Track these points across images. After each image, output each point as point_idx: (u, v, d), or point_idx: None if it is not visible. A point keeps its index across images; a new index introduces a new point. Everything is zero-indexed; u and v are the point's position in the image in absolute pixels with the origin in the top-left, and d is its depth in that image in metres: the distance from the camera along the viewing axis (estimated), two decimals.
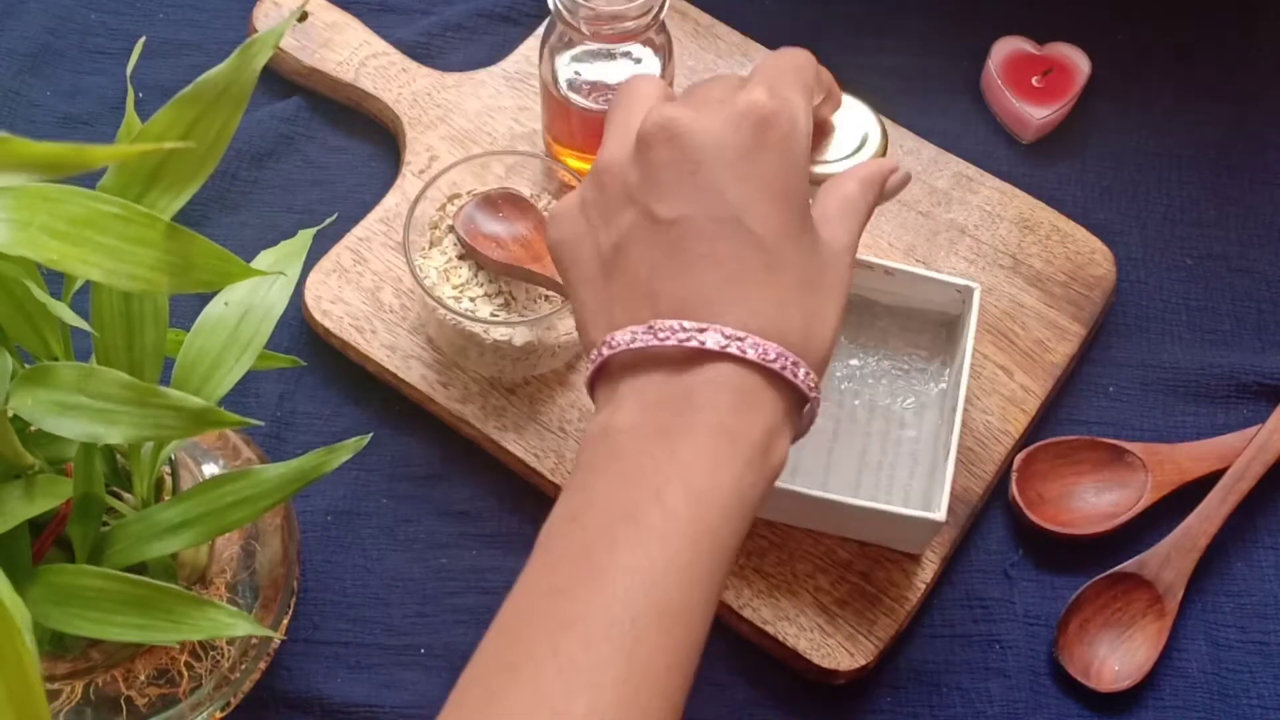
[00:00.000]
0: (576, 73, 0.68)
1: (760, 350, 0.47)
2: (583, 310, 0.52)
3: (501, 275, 0.68)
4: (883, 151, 0.74)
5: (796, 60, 0.53)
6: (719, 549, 0.46)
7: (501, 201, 0.69)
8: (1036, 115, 0.78)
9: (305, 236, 0.57)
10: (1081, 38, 0.81)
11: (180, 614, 0.50)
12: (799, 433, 0.51)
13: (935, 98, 0.81)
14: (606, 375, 0.50)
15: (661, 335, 0.48)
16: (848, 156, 0.73)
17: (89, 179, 0.44)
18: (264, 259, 0.56)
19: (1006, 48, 0.81)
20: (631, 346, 0.48)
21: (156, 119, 0.46)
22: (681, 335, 0.47)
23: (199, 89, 0.46)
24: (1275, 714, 0.65)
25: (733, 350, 0.47)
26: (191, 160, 0.47)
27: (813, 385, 0.49)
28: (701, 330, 0.47)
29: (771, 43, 0.80)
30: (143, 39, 0.54)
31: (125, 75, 0.50)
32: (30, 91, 0.81)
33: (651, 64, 0.69)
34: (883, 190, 0.55)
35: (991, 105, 0.81)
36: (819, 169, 0.72)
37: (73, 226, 0.41)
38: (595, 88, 0.69)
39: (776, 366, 0.48)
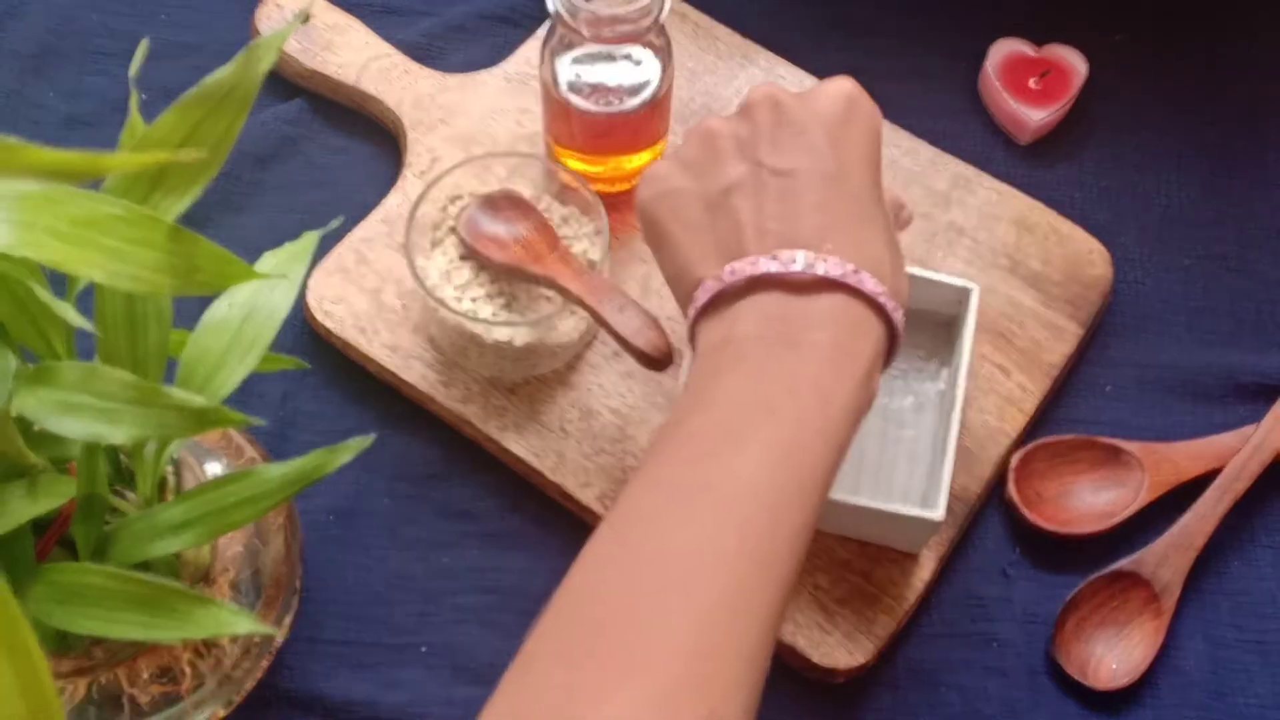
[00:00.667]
0: (577, 75, 0.69)
1: (872, 284, 0.51)
2: (684, 254, 0.55)
3: (503, 276, 0.68)
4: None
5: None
6: (837, 448, 0.50)
7: (503, 202, 0.69)
8: (1034, 116, 0.79)
9: (309, 238, 0.57)
10: (1079, 39, 0.81)
11: (183, 612, 0.50)
12: (890, 357, 0.55)
13: (933, 99, 0.81)
14: (716, 305, 0.53)
15: (785, 259, 0.51)
16: None
17: (92, 181, 0.44)
18: (267, 261, 0.56)
19: (1004, 49, 0.81)
20: (754, 272, 0.52)
21: (160, 122, 0.46)
22: (805, 261, 0.51)
23: (203, 92, 0.46)
24: (1272, 712, 0.66)
25: (849, 280, 0.51)
26: (195, 164, 0.47)
27: (901, 325, 0.53)
28: (824, 259, 0.51)
29: (771, 44, 0.81)
30: (145, 41, 0.54)
31: (127, 76, 0.50)
32: (33, 92, 0.81)
33: (652, 66, 0.69)
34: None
35: (989, 106, 0.81)
36: None
37: (75, 228, 0.42)
38: (595, 90, 0.69)
39: (883, 300, 0.52)
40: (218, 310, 0.54)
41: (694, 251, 0.55)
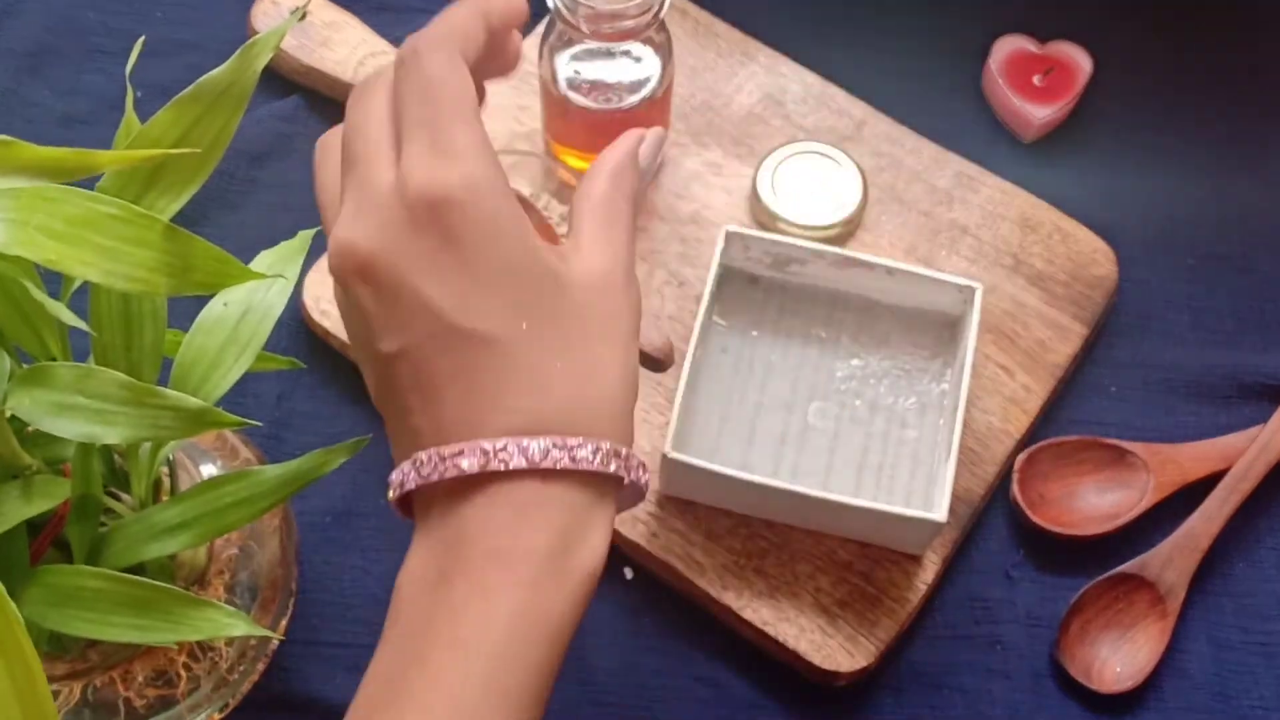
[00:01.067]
0: (576, 71, 0.68)
1: (522, 452, 0.42)
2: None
3: None
4: (859, 214, 0.74)
5: (432, 70, 0.45)
6: (506, 692, 0.42)
7: None
8: (1038, 114, 0.78)
9: (304, 237, 0.57)
10: (1083, 36, 0.81)
11: (178, 614, 0.50)
12: (632, 497, 0.46)
13: (936, 97, 0.81)
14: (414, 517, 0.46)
15: (425, 471, 0.43)
16: (825, 214, 0.73)
17: (87, 179, 0.44)
18: (263, 260, 0.56)
19: (1008, 46, 0.81)
20: (405, 488, 0.44)
21: (156, 120, 0.46)
22: (441, 466, 0.42)
23: (199, 90, 0.46)
24: (1277, 714, 0.65)
25: (494, 467, 0.42)
26: (190, 162, 0.47)
27: (608, 454, 0.43)
28: (458, 454, 0.42)
29: (771, 41, 0.80)
30: (142, 39, 0.54)
31: (124, 74, 0.50)
32: (29, 91, 0.81)
33: (651, 62, 0.68)
34: (638, 168, 0.49)
35: (993, 104, 0.81)
36: (789, 227, 0.73)
37: (71, 227, 0.41)
38: (595, 86, 0.68)
39: (548, 463, 0.42)
40: (213, 310, 0.53)
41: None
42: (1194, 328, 0.75)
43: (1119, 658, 0.66)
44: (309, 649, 0.65)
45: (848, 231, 0.74)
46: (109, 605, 0.49)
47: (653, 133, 0.50)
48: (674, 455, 0.63)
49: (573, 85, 0.68)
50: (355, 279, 0.43)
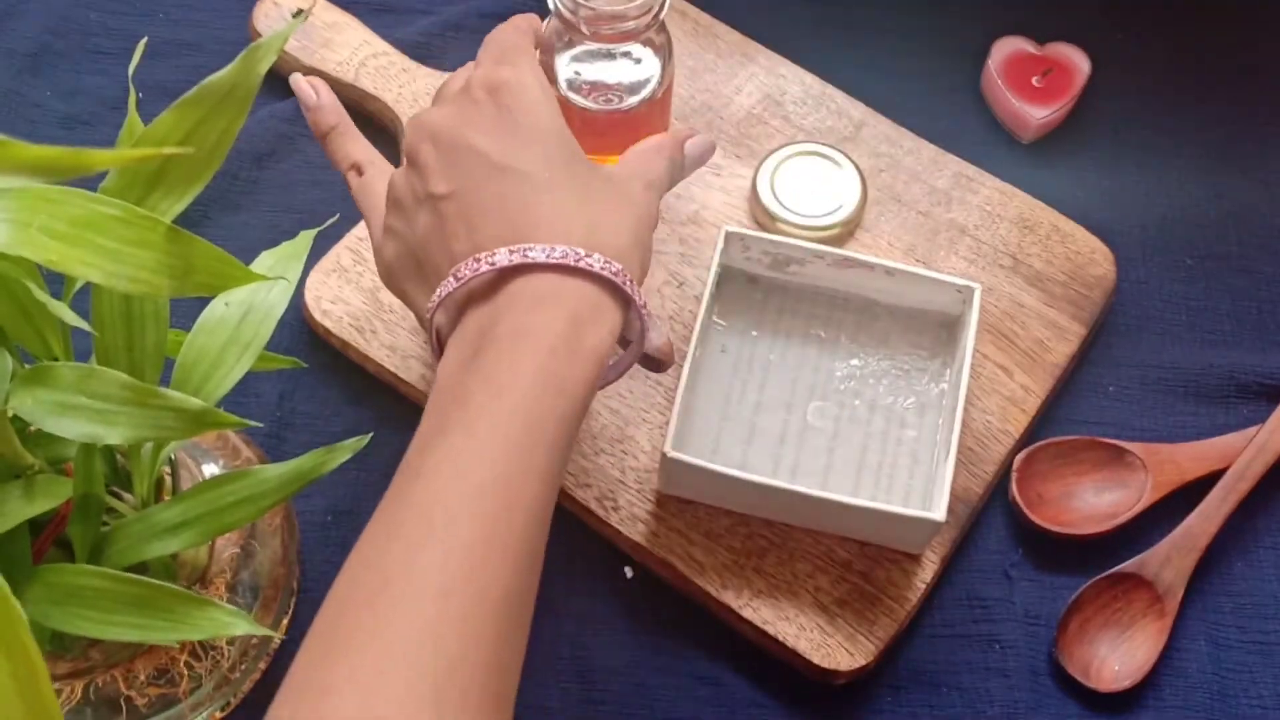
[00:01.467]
0: (576, 72, 0.68)
1: (546, 251, 0.51)
2: (415, 307, 0.56)
3: None
4: (858, 215, 0.74)
5: (511, 29, 0.59)
6: (532, 427, 0.48)
7: None
8: (1037, 115, 0.78)
9: (306, 238, 0.57)
10: (1081, 37, 0.81)
11: (180, 613, 0.50)
12: (635, 327, 0.55)
13: (935, 98, 0.81)
14: (446, 340, 0.53)
15: (460, 276, 0.51)
16: (824, 215, 0.73)
17: (91, 181, 0.44)
18: (264, 260, 0.56)
19: (1006, 47, 0.81)
20: (441, 296, 0.52)
21: (159, 122, 0.46)
22: (475, 265, 0.51)
23: (202, 92, 0.46)
24: (1275, 714, 0.65)
25: (517, 260, 0.51)
26: (194, 163, 0.47)
27: (615, 272, 0.52)
28: (491, 255, 0.51)
29: (772, 42, 0.80)
30: (144, 40, 0.54)
31: (125, 75, 0.50)
32: (30, 92, 0.81)
33: (651, 64, 0.69)
34: (680, 145, 0.60)
35: (991, 105, 0.81)
36: (788, 227, 0.73)
37: (73, 228, 0.41)
38: (595, 88, 0.69)
39: (569, 261, 0.51)
40: (215, 310, 0.54)
41: (419, 301, 0.55)
42: (1192, 328, 0.75)
43: (1117, 656, 0.66)
44: None
45: (847, 232, 0.74)
46: (111, 604, 0.49)
47: (705, 138, 0.61)
48: (674, 455, 0.63)
49: (573, 86, 0.69)
50: (423, 143, 0.55)
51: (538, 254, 0.51)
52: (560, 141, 0.55)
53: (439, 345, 0.54)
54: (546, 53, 0.67)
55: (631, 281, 0.52)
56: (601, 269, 0.51)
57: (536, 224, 0.52)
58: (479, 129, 0.54)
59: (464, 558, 0.45)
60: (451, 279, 0.52)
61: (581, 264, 0.51)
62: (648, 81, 0.69)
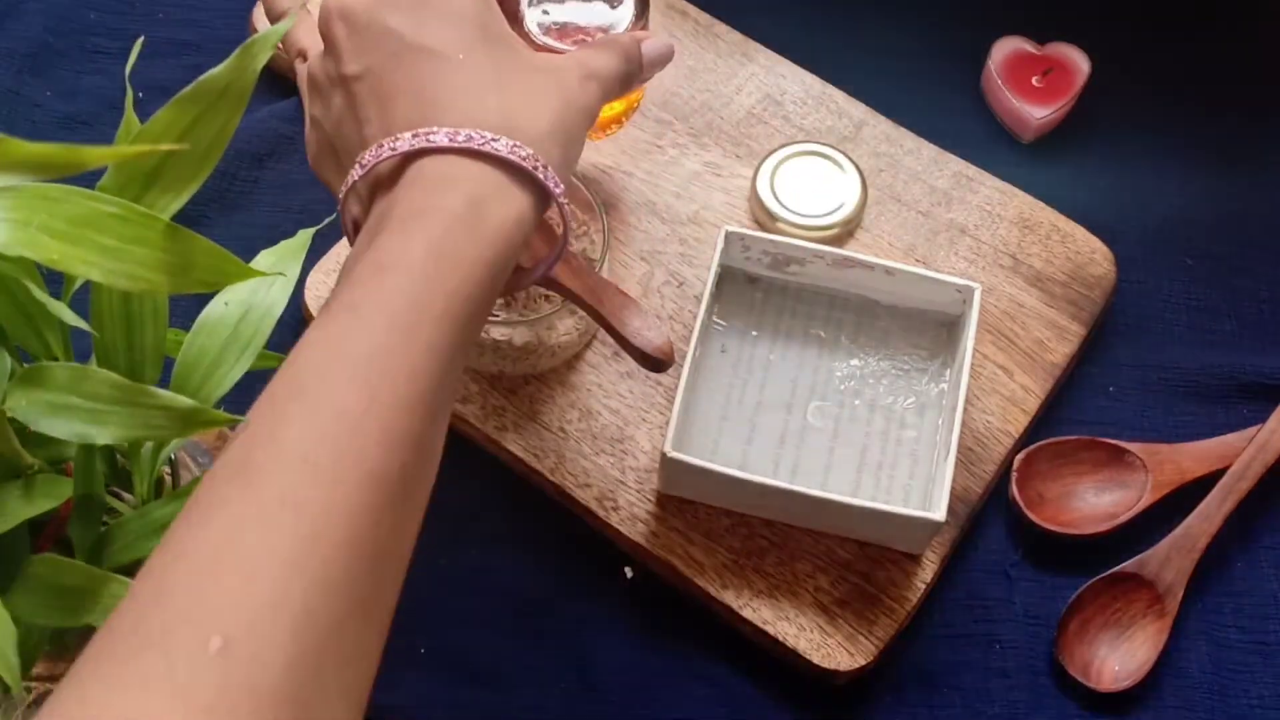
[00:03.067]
0: (545, 12, 0.66)
1: (449, 135, 0.49)
2: (334, 189, 0.54)
3: None
4: (858, 215, 0.74)
5: None
6: (418, 301, 0.46)
7: None
8: (1036, 115, 0.78)
9: (304, 236, 0.57)
10: (1081, 37, 0.81)
11: None
12: (556, 221, 0.54)
13: (935, 97, 0.81)
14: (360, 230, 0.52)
15: (364, 163, 0.50)
16: (824, 215, 0.73)
17: (89, 179, 0.44)
18: (263, 259, 0.56)
19: (1007, 47, 0.81)
20: (349, 184, 0.51)
21: (156, 119, 0.46)
22: (378, 152, 0.49)
23: (199, 89, 0.46)
24: (1275, 714, 0.65)
25: (420, 144, 0.49)
26: (191, 160, 0.47)
27: (524, 157, 0.49)
28: (396, 140, 0.49)
29: (772, 41, 0.80)
30: (141, 39, 0.54)
31: (125, 75, 0.50)
32: (30, 91, 0.81)
33: (627, 7, 0.66)
34: (637, 46, 0.58)
35: (992, 105, 0.81)
36: (788, 227, 0.72)
37: (72, 226, 0.41)
38: (565, 30, 0.66)
39: (473, 144, 0.49)
40: (214, 309, 0.53)
41: (337, 189, 0.54)
42: (1192, 328, 0.75)
43: (1117, 656, 0.66)
44: None
45: (847, 232, 0.74)
46: (108, 603, 0.49)
47: (663, 39, 0.58)
48: (674, 455, 0.63)
49: (543, 28, 0.66)
50: (337, 21, 0.52)
51: (440, 137, 0.49)
52: (481, 22, 0.52)
53: (354, 235, 0.53)
54: None
55: (546, 168, 0.50)
56: (509, 153, 0.49)
57: (447, 106, 0.50)
58: (393, 6, 0.52)
59: (332, 423, 0.42)
60: (358, 166, 0.50)
61: (486, 147, 0.49)
62: (620, 25, 0.67)
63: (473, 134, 0.49)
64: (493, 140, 0.49)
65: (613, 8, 0.67)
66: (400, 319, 0.45)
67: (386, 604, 0.44)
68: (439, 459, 0.47)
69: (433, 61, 0.51)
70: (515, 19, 0.65)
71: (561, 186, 0.51)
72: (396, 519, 0.43)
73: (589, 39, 0.66)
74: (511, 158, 0.49)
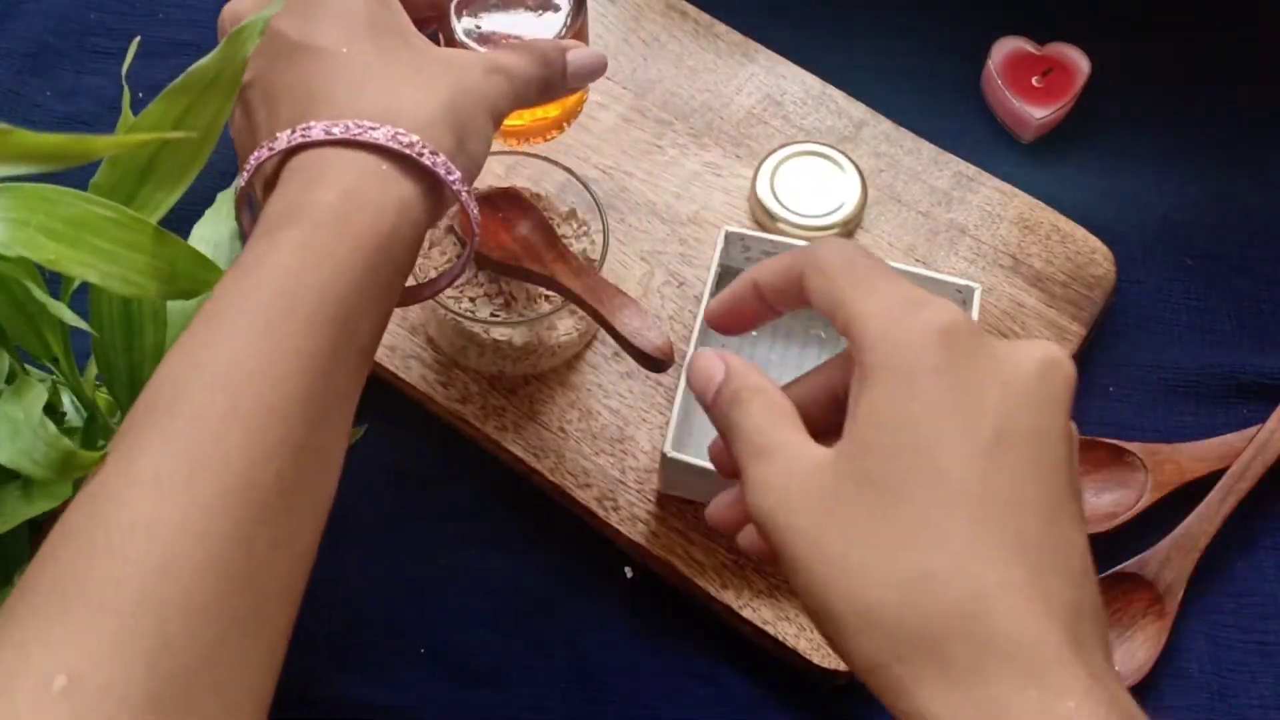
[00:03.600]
0: (476, 25, 0.63)
1: (325, 128, 0.47)
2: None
3: (502, 275, 0.68)
4: (858, 215, 0.74)
5: None
6: (279, 300, 0.42)
7: (502, 200, 0.69)
8: (1036, 115, 0.78)
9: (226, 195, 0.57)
10: (1081, 37, 0.81)
11: None
12: (456, 212, 0.53)
13: (935, 98, 0.81)
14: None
15: (249, 166, 0.48)
16: (824, 215, 0.73)
17: (83, 176, 0.44)
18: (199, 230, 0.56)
19: (1006, 47, 0.81)
20: (237, 189, 0.49)
21: (147, 113, 0.46)
22: (259, 154, 0.47)
23: (189, 80, 0.46)
24: (1276, 714, 0.65)
25: (298, 139, 0.47)
26: (184, 154, 0.47)
27: (407, 144, 0.47)
28: (274, 141, 0.47)
29: (772, 42, 0.80)
30: (137, 39, 0.54)
31: (123, 75, 0.50)
32: (30, 91, 0.81)
33: (556, 17, 0.63)
34: (561, 53, 0.55)
35: (992, 105, 0.81)
36: (788, 227, 0.72)
37: (70, 228, 0.41)
38: (491, 39, 0.62)
39: (349, 135, 0.47)
40: (186, 309, 0.53)
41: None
42: (1192, 328, 0.75)
43: (1117, 656, 0.66)
44: (310, 647, 0.65)
45: (847, 232, 0.74)
46: None
47: (594, 51, 0.57)
48: (674, 455, 0.63)
49: (471, 36, 0.63)
50: (229, 24, 0.52)
51: (316, 131, 0.46)
52: (370, 15, 0.50)
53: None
54: None
55: (436, 154, 0.48)
56: (389, 141, 0.47)
57: (326, 99, 0.48)
58: (282, 11, 0.50)
59: (187, 436, 0.39)
60: (244, 172, 0.48)
61: (364, 136, 0.46)
62: (553, 34, 0.63)
63: (350, 124, 0.47)
64: (370, 129, 0.47)
65: (538, 15, 0.64)
66: (261, 321, 0.42)
67: (280, 616, 0.41)
68: (338, 465, 0.44)
69: (316, 58, 0.49)
70: (444, 27, 0.62)
71: (456, 174, 0.48)
72: (277, 532, 0.40)
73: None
74: (391, 145, 0.47)
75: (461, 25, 0.62)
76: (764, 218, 0.74)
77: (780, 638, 0.64)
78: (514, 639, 0.66)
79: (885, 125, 0.78)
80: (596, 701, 0.65)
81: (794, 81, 0.79)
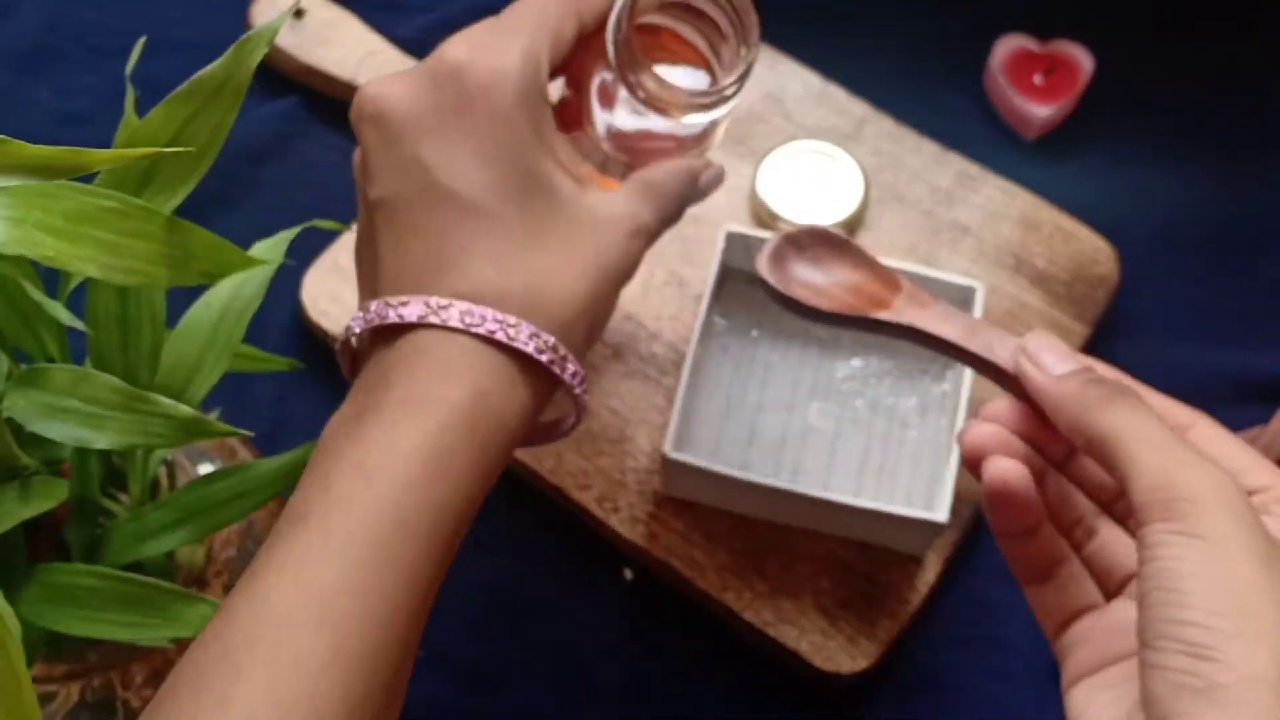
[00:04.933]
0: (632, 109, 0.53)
1: (463, 315, 0.44)
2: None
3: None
4: (859, 214, 0.73)
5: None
6: (402, 523, 0.41)
7: (808, 240, 0.54)
8: (1039, 113, 0.78)
9: (285, 236, 0.56)
10: (1084, 35, 0.81)
11: (173, 612, 0.49)
12: (576, 411, 0.48)
13: (937, 96, 0.81)
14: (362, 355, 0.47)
15: (368, 317, 0.45)
16: (825, 213, 0.71)
17: (85, 178, 0.43)
18: (259, 249, 0.55)
19: (1009, 45, 0.81)
20: (355, 333, 0.46)
21: (151, 116, 0.46)
22: (383, 311, 0.44)
23: (194, 85, 0.46)
24: None
25: (433, 320, 0.44)
26: (187, 158, 0.47)
27: (544, 348, 0.45)
28: (404, 304, 0.44)
29: (774, 40, 0.80)
30: (143, 38, 0.54)
31: (122, 73, 0.50)
32: (28, 90, 0.81)
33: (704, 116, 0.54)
34: (695, 183, 0.53)
35: (994, 103, 0.81)
36: (789, 226, 0.56)
37: (70, 223, 0.41)
38: (635, 137, 0.54)
39: (484, 330, 0.44)
40: (195, 310, 0.53)
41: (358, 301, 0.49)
42: (1196, 327, 0.75)
43: None
44: None
45: (848, 231, 0.74)
46: (104, 603, 0.49)
47: (718, 169, 0.54)
48: (674, 455, 0.62)
49: (609, 133, 0.54)
50: (368, 122, 0.46)
51: (453, 317, 0.44)
52: (523, 163, 0.46)
53: (353, 374, 0.48)
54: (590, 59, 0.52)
55: (566, 360, 0.45)
56: (527, 344, 0.44)
57: (466, 269, 0.45)
58: (426, 129, 0.46)
59: (293, 675, 0.38)
60: (360, 317, 0.45)
61: (500, 335, 0.44)
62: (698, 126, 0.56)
63: (488, 318, 0.44)
64: (510, 326, 0.44)
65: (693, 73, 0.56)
66: (375, 544, 0.40)
67: None
68: (403, 695, 0.42)
69: (458, 210, 0.45)
70: (577, 124, 0.53)
71: (581, 374, 0.46)
72: None
73: (658, 143, 0.54)
74: (529, 350, 0.44)
75: (606, 118, 0.53)
76: (765, 216, 0.74)
77: (781, 640, 0.64)
78: (513, 640, 0.66)
79: (887, 123, 0.78)
80: (595, 702, 0.65)
81: (795, 79, 0.79)
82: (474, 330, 0.44)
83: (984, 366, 0.51)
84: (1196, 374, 0.73)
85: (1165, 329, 0.75)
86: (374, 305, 0.45)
